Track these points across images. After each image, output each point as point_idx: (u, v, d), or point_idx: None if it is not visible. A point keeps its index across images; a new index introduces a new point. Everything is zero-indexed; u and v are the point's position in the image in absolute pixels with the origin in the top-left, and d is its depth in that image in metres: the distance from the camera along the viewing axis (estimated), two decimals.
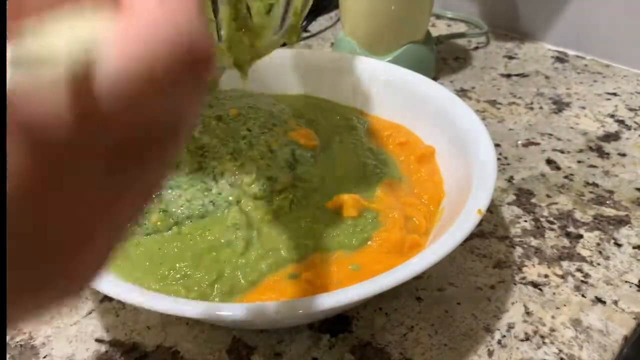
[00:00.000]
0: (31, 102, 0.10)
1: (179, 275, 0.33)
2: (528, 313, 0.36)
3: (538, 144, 0.53)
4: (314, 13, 0.79)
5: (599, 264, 0.39)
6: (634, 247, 0.41)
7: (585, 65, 0.67)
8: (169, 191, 0.36)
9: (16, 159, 0.10)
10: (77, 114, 0.11)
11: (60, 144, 0.11)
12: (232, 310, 0.28)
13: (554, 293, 0.37)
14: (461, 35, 0.71)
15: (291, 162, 0.39)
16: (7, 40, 0.11)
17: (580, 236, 0.42)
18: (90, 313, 0.36)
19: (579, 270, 0.39)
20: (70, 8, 0.12)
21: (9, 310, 0.12)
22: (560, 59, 0.68)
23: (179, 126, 0.13)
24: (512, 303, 0.36)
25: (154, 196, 0.14)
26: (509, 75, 0.65)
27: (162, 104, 0.12)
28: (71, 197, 0.12)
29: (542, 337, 0.34)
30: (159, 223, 0.35)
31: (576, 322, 0.35)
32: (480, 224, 0.41)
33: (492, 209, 0.44)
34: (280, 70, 0.50)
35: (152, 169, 0.13)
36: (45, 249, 0.12)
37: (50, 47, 0.11)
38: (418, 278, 0.37)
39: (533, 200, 0.45)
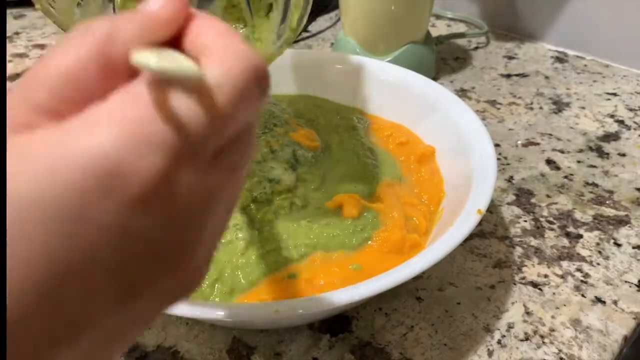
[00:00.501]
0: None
1: None
2: (528, 313, 0.36)
3: (538, 144, 0.53)
4: (314, 13, 0.79)
5: (598, 264, 0.39)
6: (633, 247, 0.41)
7: (585, 65, 0.67)
8: None
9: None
10: (209, 111, 0.14)
11: (204, 133, 0.14)
12: (232, 310, 0.28)
13: (553, 293, 0.37)
14: (461, 35, 0.71)
15: (292, 162, 0.39)
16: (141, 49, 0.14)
17: (580, 236, 0.42)
18: None
19: (579, 270, 0.39)
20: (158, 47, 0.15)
21: None
22: (560, 59, 0.68)
23: (254, 124, 0.17)
24: (512, 303, 0.36)
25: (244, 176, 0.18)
26: (509, 75, 0.65)
27: (250, 108, 0.15)
28: (204, 179, 0.15)
29: (542, 337, 0.34)
30: None
31: (576, 322, 0.35)
32: (480, 224, 0.41)
33: (492, 209, 0.44)
34: (280, 70, 0.50)
35: (246, 156, 0.17)
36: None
37: (175, 59, 0.13)
38: (418, 278, 0.37)
39: (533, 200, 0.45)
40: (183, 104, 0.13)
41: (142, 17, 0.14)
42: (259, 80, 0.15)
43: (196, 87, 0.13)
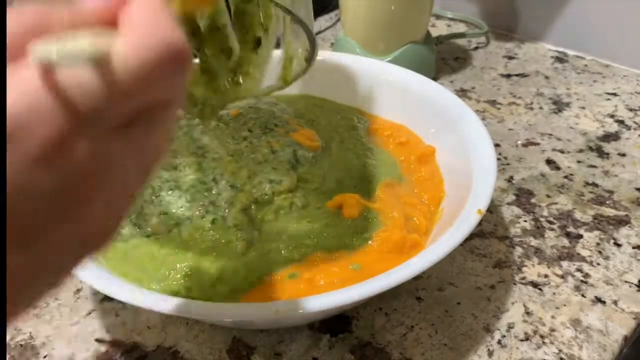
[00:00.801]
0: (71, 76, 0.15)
1: (179, 276, 0.33)
2: (528, 313, 0.36)
3: (538, 144, 0.53)
4: (314, 13, 0.79)
5: (598, 264, 0.39)
6: (633, 247, 0.41)
7: (585, 65, 0.67)
8: (169, 192, 0.36)
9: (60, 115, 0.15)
10: (105, 86, 0.15)
11: (95, 107, 0.15)
12: (232, 310, 0.28)
13: (553, 293, 0.37)
14: (461, 35, 0.71)
15: (293, 163, 0.39)
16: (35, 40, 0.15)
17: (580, 236, 0.42)
18: (90, 313, 0.36)
19: (579, 270, 0.39)
20: (83, 30, 0.16)
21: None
22: (560, 59, 0.68)
23: (170, 101, 0.18)
24: (512, 303, 0.36)
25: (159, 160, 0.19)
26: (509, 75, 0.65)
27: (159, 84, 0.16)
28: (101, 146, 0.16)
29: (542, 337, 0.34)
30: (157, 227, 0.35)
31: (576, 322, 0.35)
32: (480, 224, 0.41)
33: (492, 209, 0.44)
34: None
35: (158, 130, 0.18)
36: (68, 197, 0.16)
37: (76, 44, 0.15)
38: (418, 278, 0.37)
39: (533, 200, 0.45)
40: (73, 81, 0.15)
41: (74, 11, 0.16)
42: (174, 57, 0.16)
43: (95, 64, 0.15)
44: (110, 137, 0.16)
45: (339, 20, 0.75)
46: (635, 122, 0.56)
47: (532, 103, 0.59)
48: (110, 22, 0.17)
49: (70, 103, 0.15)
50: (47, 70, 0.15)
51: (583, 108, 0.58)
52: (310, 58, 0.36)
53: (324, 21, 0.79)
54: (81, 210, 0.17)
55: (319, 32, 0.75)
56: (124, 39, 0.16)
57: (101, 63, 0.15)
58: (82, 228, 0.17)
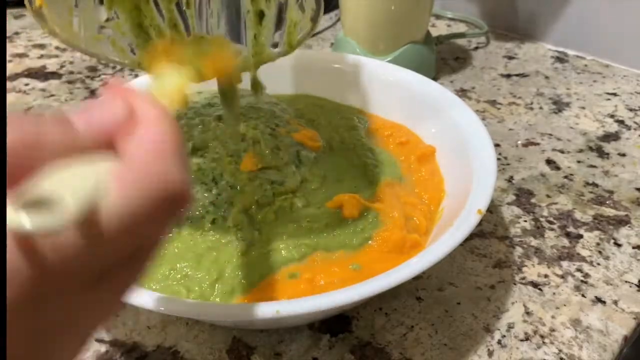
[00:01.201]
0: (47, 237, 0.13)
1: (179, 276, 0.33)
2: (528, 313, 0.36)
3: (538, 144, 0.53)
4: None
5: (599, 264, 0.39)
6: (633, 247, 0.41)
7: (585, 65, 0.67)
8: None
9: (25, 273, 0.13)
10: (87, 238, 0.14)
11: (72, 262, 0.14)
12: (232, 310, 0.28)
13: (554, 293, 0.37)
14: (461, 35, 0.71)
15: (297, 163, 0.39)
16: (17, 186, 0.14)
17: (580, 236, 0.42)
18: None
19: (579, 270, 0.39)
20: (78, 157, 0.15)
21: None
22: (560, 59, 0.68)
23: (155, 246, 0.17)
24: (512, 303, 0.36)
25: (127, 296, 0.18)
26: (509, 75, 0.65)
27: (148, 232, 0.16)
28: (70, 304, 0.15)
29: (542, 337, 0.34)
30: None
31: (576, 322, 0.35)
32: (480, 224, 0.41)
33: (492, 209, 0.44)
34: (280, 70, 0.50)
35: (132, 275, 0.17)
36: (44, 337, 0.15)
37: (59, 191, 0.14)
38: (418, 278, 0.37)
39: (533, 200, 0.45)
40: (48, 241, 0.14)
41: (72, 137, 0.15)
42: (166, 207, 0.15)
43: (76, 226, 0.14)
44: (84, 290, 0.15)
45: (339, 20, 0.75)
46: (635, 122, 0.56)
47: (532, 103, 0.59)
48: (108, 144, 0.16)
49: (39, 260, 0.14)
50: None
51: (583, 108, 0.58)
52: (315, 17, 0.36)
53: (324, 21, 0.79)
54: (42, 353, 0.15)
55: (319, 32, 0.75)
56: (116, 183, 0.15)
57: (84, 221, 0.14)
58: None
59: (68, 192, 0.14)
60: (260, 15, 0.36)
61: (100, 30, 0.34)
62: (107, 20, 0.34)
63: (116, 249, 0.15)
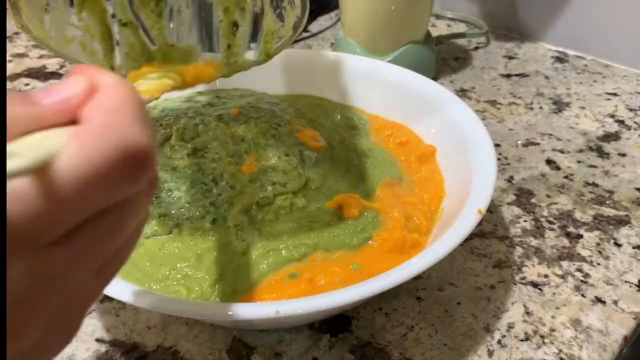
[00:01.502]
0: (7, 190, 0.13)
1: (179, 276, 0.33)
2: (528, 313, 0.36)
3: (538, 144, 0.53)
4: (314, 13, 0.79)
5: (599, 264, 0.39)
6: (633, 247, 0.41)
7: (585, 65, 0.67)
8: (169, 194, 0.36)
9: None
10: (43, 196, 0.14)
11: (32, 219, 0.14)
12: (232, 310, 0.28)
13: (554, 293, 0.37)
14: (461, 35, 0.71)
15: (301, 164, 0.39)
16: None
17: (580, 236, 0.42)
18: (90, 313, 0.36)
19: (579, 270, 0.39)
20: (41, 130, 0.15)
21: None
22: (560, 59, 0.68)
23: (132, 199, 0.16)
24: (512, 303, 0.36)
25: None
26: (509, 75, 0.65)
27: (108, 192, 0.15)
28: (38, 264, 0.15)
29: (542, 337, 0.34)
30: (157, 228, 0.35)
31: (576, 322, 0.35)
32: (480, 224, 0.41)
33: (492, 209, 0.44)
34: (280, 70, 0.50)
35: (117, 229, 0.17)
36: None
37: (16, 149, 0.14)
38: (418, 278, 0.37)
39: (533, 200, 0.45)
40: (7, 193, 0.13)
41: (33, 110, 0.15)
42: (130, 160, 0.15)
43: (31, 174, 0.14)
44: (52, 250, 0.15)
45: (339, 20, 0.75)
46: (635, 122, 0.56)
47: (532, 103, 0.59)
48: (73, 119, 0.16)
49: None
50: None
51: (583, 108, 0.58)
52: (297, 25, 0.36)
53: (324, 21, 0.79)
54: (25, 329, 0.15)
55: (319, 32, 0.75)
56: (74, 142, 0.14)
57: (39, 172, 0.14)
58: (24, 343, 0.16)
59: (24, 150, 0.14)
60: (235, 25, 0.36)
61: (70, 31, 0.34)
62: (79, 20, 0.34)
63: (76, 208, 0.15)
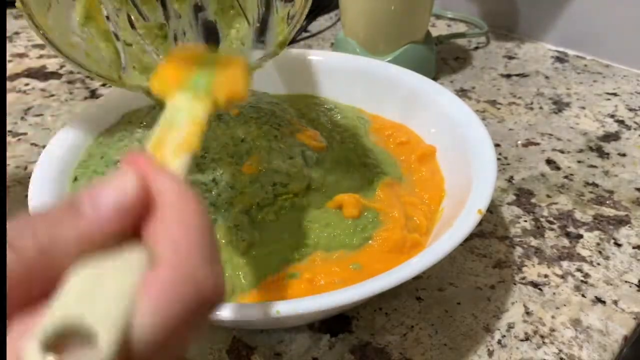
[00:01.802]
0: None
1: None
2: (528, 313, 0.36)
3: (538, 144, 0.53)
4: (314, 13, 0.79)
5: (599, 264, 0.39)
6: (634, 247, 0.41)
7: (585, 65, 0.67)
8: None
9: None
10: None
11: None
12: (232, 310, 0.28)
13: (554, 293, 0.37)
14: (461, 35, 0.71)
15: (304, 165, 0.39)
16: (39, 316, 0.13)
17: (580, 236, 0.42)
18: None
19: (579, 270, 0.39)
20: (95, 255, 0.14)
21: None
22: (560, 59, 0.68)
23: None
24: (512, 303, 0.36)
25: None
26: (509, 75, 0.65)
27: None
28: None
29: (542, 337, 0.34)
30: None
31: (576, 322, 0.35)
32: (480, 224, 0.41)
33: (492, 209, 0.44)
34: (281, 70, 0.50)
35: None
36: None
37: (87, 319, 0.13)
38: (418, 278, 0.37)
39: (533, 200, 0.45)
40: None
41: (83, 229, 0.14)
42: (200, 312, 0.14)
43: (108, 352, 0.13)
44: None
45: (339, 20, 0.75)
46: (635, 122, 0.56)
47: (532, 103, 0.59)
48: (125, 232, 0.15)
49: None
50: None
51: (583, 108, 0.58)
52: (294, 16, 0.36)
53: (324, 21, 0.79)
54: None
55: (319, 32, 0.75)
56: (147, 300, 0.13)
57: (118, 352, 0.13)
58: None
59: (96, 318, 0.13)
60: (242, 43, 0.36)
61: (74, 37, 0.34)
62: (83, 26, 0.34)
63: None
